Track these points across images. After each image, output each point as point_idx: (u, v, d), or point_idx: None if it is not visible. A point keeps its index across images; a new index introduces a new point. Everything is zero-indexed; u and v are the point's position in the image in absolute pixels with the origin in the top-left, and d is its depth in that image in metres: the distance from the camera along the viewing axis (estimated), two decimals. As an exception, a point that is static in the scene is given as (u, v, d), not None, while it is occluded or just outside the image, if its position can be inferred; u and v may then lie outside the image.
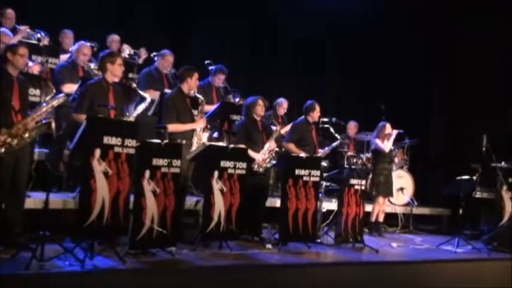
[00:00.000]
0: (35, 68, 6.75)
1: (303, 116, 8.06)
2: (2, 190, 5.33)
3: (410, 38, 11.39)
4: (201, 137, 6.72)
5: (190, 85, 6.69)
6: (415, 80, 11.44)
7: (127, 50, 8.45)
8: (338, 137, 8.74)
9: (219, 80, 8.39)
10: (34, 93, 6.14)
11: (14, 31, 7.28)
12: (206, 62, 8.61)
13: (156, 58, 8.13)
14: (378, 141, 8.93)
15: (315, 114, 7.97)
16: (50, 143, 6.67)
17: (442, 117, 11.91)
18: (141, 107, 6.54)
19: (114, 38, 8.51)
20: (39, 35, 7.49)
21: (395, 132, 9.00)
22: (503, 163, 8.74)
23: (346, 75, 11.81)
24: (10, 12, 7.58)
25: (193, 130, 6.66)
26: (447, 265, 7.22)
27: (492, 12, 10.54)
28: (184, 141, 6.40)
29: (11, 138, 5.28)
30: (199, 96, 6.82)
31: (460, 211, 8.49)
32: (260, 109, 7.36)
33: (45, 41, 7.57)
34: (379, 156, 8.95)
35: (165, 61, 7.93)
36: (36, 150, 6.55)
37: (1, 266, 4.77)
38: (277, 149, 7.42)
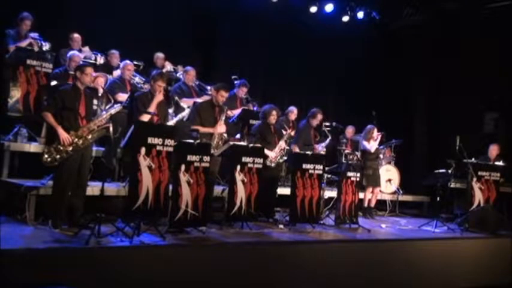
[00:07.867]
0: (100, 79, 6.79)
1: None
2: (70, 180, 5.40)
3: (400, 60, 11.33)
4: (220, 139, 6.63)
5: (217, 98, 6.66)
6: (402, 92, 11.35)
7: (168, 66, 8.45)
8: (329, 135, 8.85)
9: (242, 92, 8.34)
10: (96, 103, 6.18)
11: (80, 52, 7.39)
12: (233, 76, 8.48)
13: (181, 75, 8.04)
14: (365, 143, 8.85)
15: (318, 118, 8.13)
16: (105, 143, 6.70)
17: (423, 121, 11.82)
18: (181, 115, 6.57)
19: (159, 56, 8.58)
20: (98, 56, 7.60)
21: (379, 135, 8.93)
22: (473, 159, 8.64)
23: (347, 89, 11.58)
24: (77, 36, 7.66)
25: (212, 133, 6.58)
26: (427, 242, 7.13)
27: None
28: (203, 140, 6.33)
29: (77, 139, 5.37)
30: (224, 106, 6.77)
31: (438, 198, 8.42)
32: (273, 118, 7.37)
33: (101, 60, 7.65)
34: (366, 154, 8.87)
35: (189, 75, 7.82)
36: (94, 148, 6.57)
37: (67, 241, 4.82)
38: (287, 148, 7.43)
